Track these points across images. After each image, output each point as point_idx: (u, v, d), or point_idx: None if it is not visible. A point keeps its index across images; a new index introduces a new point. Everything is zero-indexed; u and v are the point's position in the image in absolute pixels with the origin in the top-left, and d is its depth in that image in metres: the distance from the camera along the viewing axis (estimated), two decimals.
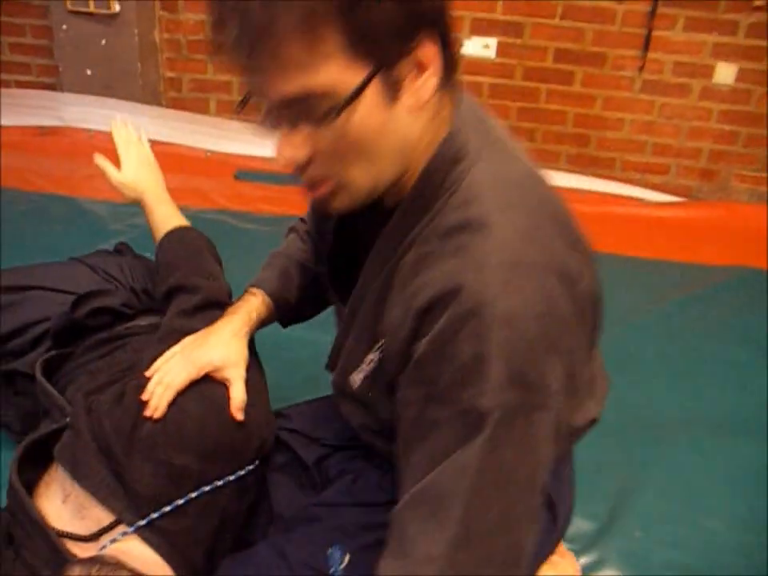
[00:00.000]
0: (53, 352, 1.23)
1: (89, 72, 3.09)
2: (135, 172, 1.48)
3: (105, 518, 0.94)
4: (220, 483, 0.99)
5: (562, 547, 1.19)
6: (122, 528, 0.96)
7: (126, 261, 1.46)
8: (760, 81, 2.87)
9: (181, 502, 0.96)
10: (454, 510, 0.66)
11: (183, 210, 2.60)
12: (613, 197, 2.93)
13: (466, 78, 3.04)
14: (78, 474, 0.99)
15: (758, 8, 2.71)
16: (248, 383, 1.08)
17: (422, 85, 0.68)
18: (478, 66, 3.00)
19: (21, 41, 3.24)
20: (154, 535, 0.95)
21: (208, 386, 1.04)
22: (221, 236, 2.29)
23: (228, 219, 2.61)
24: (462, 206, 0.70)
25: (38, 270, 1.41)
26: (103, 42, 3.01)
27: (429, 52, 0.67)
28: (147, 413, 0.96)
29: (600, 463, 1.39)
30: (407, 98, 0.68)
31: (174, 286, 1.20)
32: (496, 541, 0.67)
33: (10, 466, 1.04)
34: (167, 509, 0.96)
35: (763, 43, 2.79)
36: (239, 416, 1.00)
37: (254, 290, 1.11)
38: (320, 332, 1.16)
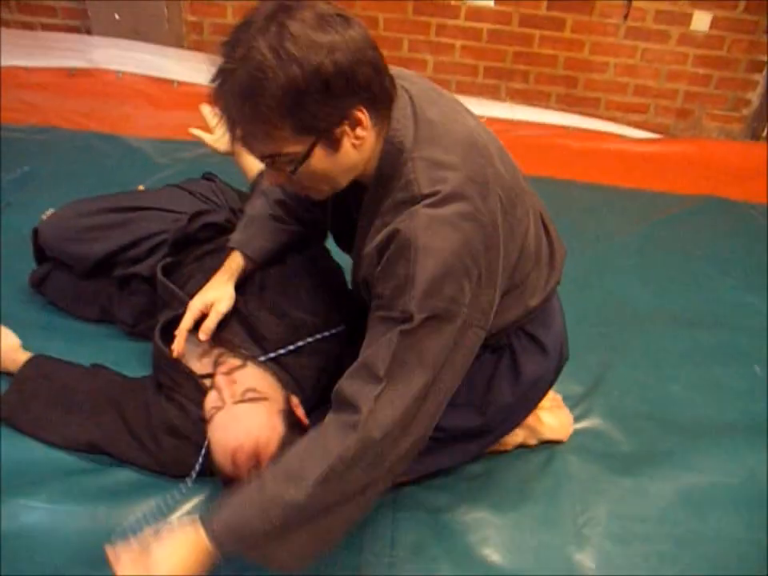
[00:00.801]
0: (169, 258, 1.57)
1: (117, 16, 3.29)
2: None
3: (237, 363, 1.28)
4: (326, 334, 1.35)
5: (561, 401, 1.59)
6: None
7: (216, 186, 1.77)
8: (732, 28, 3.18)
9: (300, 343, 1.33)
10: (379, 374, 0.97)
11: None
12: (597, 133, 3.25)
13: (468, 24, 3.31)
14: (216, 335, 1.36)
15: None
16: (330, 270, 1.45)
17: (359, 133, 0.98)
18: (479, 13, 3.27)
19: None
20: (275, 366, 1.31)
21: (318, 265, 1.41)
22: None
23: None
24: (404, 188, 1.01)
25: (146, 195, 1.73)
26: None
27: (359, 113, 0.96)
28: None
29: (587, 345, 1.74)
30: (348, 143, 0.98)
31: None
32: (410, 399, 0.97)
33: (153, 337, 1.41)
34: (290, 348, 1.32)
35: None
36: (202, 336, 1.33)
37: (236, 252, 1.40)
38: None
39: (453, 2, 3.27)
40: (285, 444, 1.14)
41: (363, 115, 0.97)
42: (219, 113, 0.96)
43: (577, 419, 1.59)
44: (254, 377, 1.24)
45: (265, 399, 1.19)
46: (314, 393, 1.36)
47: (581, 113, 3.41)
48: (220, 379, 1.22)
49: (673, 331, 1.92)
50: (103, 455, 1.37)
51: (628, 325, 1.93)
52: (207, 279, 1.48)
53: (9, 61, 3.29)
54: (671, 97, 3.40)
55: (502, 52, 3.35)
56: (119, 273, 1.63)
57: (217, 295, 1.36)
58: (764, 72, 3.27)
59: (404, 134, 1.02)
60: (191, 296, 1.44)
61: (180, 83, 3.34)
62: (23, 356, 1.49)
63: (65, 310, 1.76)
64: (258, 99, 0.90)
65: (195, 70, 3.38)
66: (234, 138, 0.98)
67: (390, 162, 1.03)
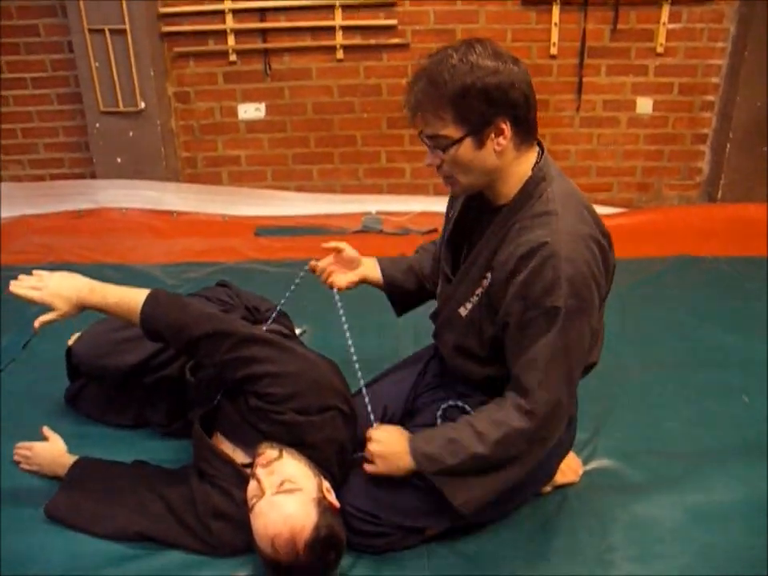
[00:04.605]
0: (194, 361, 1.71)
1: (119, 160, 3.59)
2: (57, 289, 1.43)
3: (274, 454, 1.37)
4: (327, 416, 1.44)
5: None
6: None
7: (231, 290, 1.95)
8: (672, 108, 3.54)
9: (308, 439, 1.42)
10: (540, 366, 1.27)
11: (217, 265, 3.11)
12: None
13: None
14: (238, 440, 1.50)
15: (660, 54, 3.41)
16: (322, 363, 1.55)
17: (500, 141, 1.26)
18: None
19: (54, 140, 3.75)
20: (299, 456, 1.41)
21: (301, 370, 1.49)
22: (250, 278, 2.80)
23: (255, 266, 3.07)
24: (544, 204, 1.29)
25: None
26: (131, 133, 3.53)
27: (503, 125, 1.25)
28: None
29: (585, 396, 1.81)
30: (490, 146, 1.27)
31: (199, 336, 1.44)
32: (560, 387, 1.30)
33: (193, 429, 1.52)
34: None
35: (669, 80, 3.48)
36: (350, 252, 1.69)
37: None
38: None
39: None
40: (318, 528, 1.27)
41: (506, 128, 1.26)
42: (411, 98, 1.27)
43: (584, 462, 1.71)
44: (289, 467, 1.35)
45: (299, 490, 1.31)
46: (340, 471, 1.47)
47: None
48: (260, 471, 1.34)
49: (662, 376, 2.08)
50: (151, 542, 1.47)
51: (620, 376, 2.07)
52: None
53: (23, 210, 3.59)
54: (631, 173, 3.69)
55: None
56: (150, 378, 1.77)
57: (351, 249, 1.71)
58: (707, 143, 3.60)
59: (547, 170, 1.33)
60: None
61: (179, 213, 3.62)
62: (69, 460, 1.61)
63: (100, 420, 1.89)
64: (440, 86, 1.22)
65: (192, 200, 3.67)
66: (415, 116, 1.28)
67: (534, 185, 1.31)
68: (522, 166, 1.32)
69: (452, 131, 1.25)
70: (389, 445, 1.39)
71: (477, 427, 1.32)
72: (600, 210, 3.55)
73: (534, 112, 1.29)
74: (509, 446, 1.31)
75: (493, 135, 1.26)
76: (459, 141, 1.25)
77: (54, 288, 1.42)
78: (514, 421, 1.29)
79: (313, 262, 1.73)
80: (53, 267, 2.95)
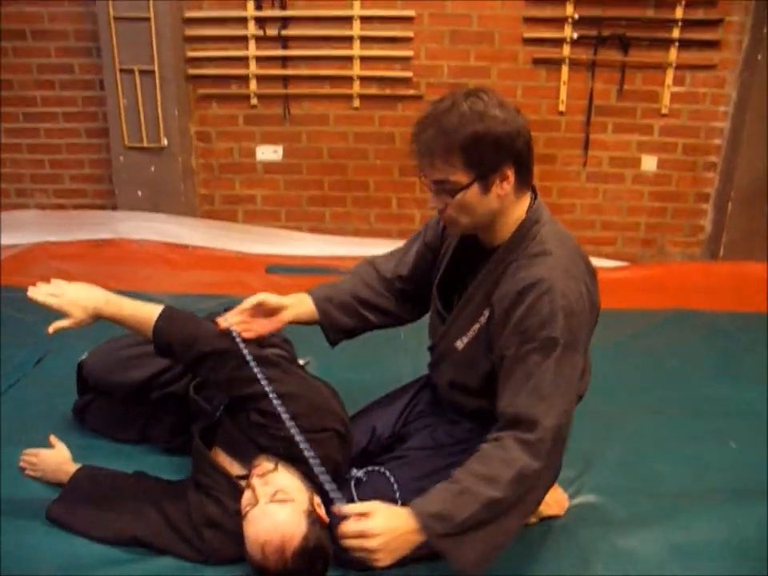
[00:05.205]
0: (199, 378, 1.78)
1: (139, 193, 3.74)
2: (75, 298, 1.48)
3: (270, 466, 1.44)
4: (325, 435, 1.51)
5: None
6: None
7: None
8: (676, 167, 3.66)
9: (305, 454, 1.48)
10: (543, 396, 1.29)
11: (227, 298, 3.19)
12: None
13: None
14: (236, 454, 1.56)
15: (665, 115, 3.54)
16: (323, 387, 1.64)
17: (504, 186, 1.34)
18: None
19: (80, 172, 3.92)
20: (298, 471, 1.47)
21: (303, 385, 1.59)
22: None
23: None
24: (539, 244, 1.37)
25: None
26: (152, 168, 3.68)
27: (509, 172, 1.32)
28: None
29: (574, 436, 1.89)
30: (495, 191, 1.34)
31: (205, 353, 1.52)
32: (560, 416, 1.31)
33: (193, 441, 1.60)
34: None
35: (673, 140, 3.60)
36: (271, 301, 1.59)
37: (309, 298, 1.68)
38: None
39: None
40: (307, 538, 1.32)
41: (511, 174, 1.33)
42: (419, 144, 1.32)
43: (571, 497, 1.74)
44: (283, 479, 1.41)
45: (291, 501, 1.36)
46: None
47: None
48: (255, 480, 1.40)
49: (653, 421, 2.12)
50: (145, 548, 1.51)
51: (613, 419, 2.11)
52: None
53: (45, 237, 3.71)
54: (634, 229, 3.79)
55: None
56: (156, 395, 1.84)
57: (274, 299, 1.60)
58: (710, 201, 3.69)
59: (540, 213, 1.41)
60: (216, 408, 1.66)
61: (193, 247, 3.73)
62: (73, 468, 1.67)
63: (105, 434, 1.95)
64: (450, 134, 1.28)
65: (206, 234, 3.79)
66: (422, 162, 1.33)
67: (528, 227, 1.39)
68: (518, 210, 1.40)
69: (461, 177, 1.31)
70: (389, 530, 1.21)
71: (482, 472, 1.27)
72: (604, 263, 3.70)
73: (533, 160, 1.37)
74: (522, 484, 1.28)
75: (498, 181, 1.32)
76: (467, 186, 1.31)
77: (71, 296, 1.47)
78: (524, 457, 1.27)
79: (220, 319, 1.57)
80: None
